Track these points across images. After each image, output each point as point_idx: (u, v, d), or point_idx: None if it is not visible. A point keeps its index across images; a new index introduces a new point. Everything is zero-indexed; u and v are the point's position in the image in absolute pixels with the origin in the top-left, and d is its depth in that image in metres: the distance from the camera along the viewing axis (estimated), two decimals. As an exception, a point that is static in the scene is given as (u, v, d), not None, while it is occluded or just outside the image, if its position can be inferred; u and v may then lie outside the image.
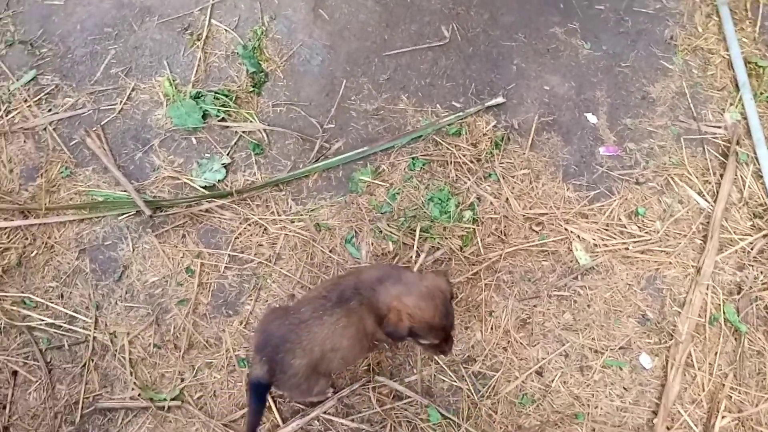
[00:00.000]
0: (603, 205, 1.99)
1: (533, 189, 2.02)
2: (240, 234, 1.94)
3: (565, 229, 1.95)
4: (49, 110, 2.07)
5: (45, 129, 2.03)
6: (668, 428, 1.72)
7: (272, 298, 1.88)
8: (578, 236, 1.94)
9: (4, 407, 1.72)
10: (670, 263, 1.91)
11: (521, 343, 1.83)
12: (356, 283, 1.48)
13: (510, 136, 2.11)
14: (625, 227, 1.96)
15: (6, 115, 2.04)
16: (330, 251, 1.93)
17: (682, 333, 1.81)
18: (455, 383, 1.75)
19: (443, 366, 1.77)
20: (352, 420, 1.72)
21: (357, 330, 1.46)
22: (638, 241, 1.94)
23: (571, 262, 1.92)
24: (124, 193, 1.95)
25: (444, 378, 1.76)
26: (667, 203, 2.00)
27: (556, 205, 1.99)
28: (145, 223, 1.94)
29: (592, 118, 2.15)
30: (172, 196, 1.97)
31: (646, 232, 1.96)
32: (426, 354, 1.73)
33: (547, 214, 1.98)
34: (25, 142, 2.03)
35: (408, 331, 1.39)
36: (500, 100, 2.15)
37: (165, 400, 1.73)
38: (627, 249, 1.93)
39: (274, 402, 1.74)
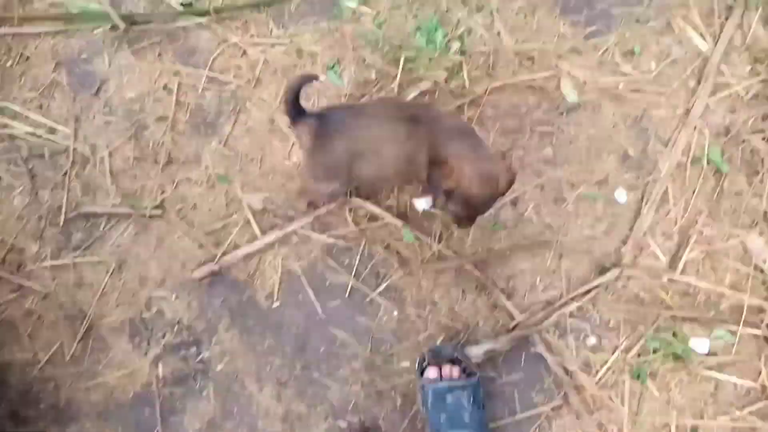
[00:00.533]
0: (598, 42, 2.05)
1: (528, 23, 2.06)
2: (219, 55, 2.02)
3: (556, 66, 2.02)
4: None
5: (16, -66, 2.04)
6: (635, 257, 1.87)
7: (252, 121, 1.99)
8: (569, 72, 2.01)
9: (-13, 209, 1.89)
10: (660, 103, 1.99)
11: (499, 175, 1.94)
12: (435, 117, 1.57)
13: (509, -36, 2.10)
14: (619, 66, 2.03)
15: None
16: (312, 77, 2.00)
17: (662, 169, 1.92)
18: (431, 210, 1.88)
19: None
20: (328, 236, 1.88)
21: (408, 153, 1.53)
22: (630, 81, 2.00)
23: (559, 98, 2.00)
24: (99, 5, 2.00)
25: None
26: (666, 44, 2.05)
27: (550, 40, 2.05)
28: (120, 38, 2.01)
29: (599, -51, 2.14)
30: (149, 12, 2.02)
31: (640, 72, 2.02)
32: (446, 214, 1.82)
33: (539, 49, 2.03)
34: (-5, -52, 2.05)
35: (446, 189, 1.46)
36: (502, -74, 2.12)
37: (147, 208, 1.89)
38: (618, 88, 1.99)
39: (253, 216, 1.89)
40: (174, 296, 1.89)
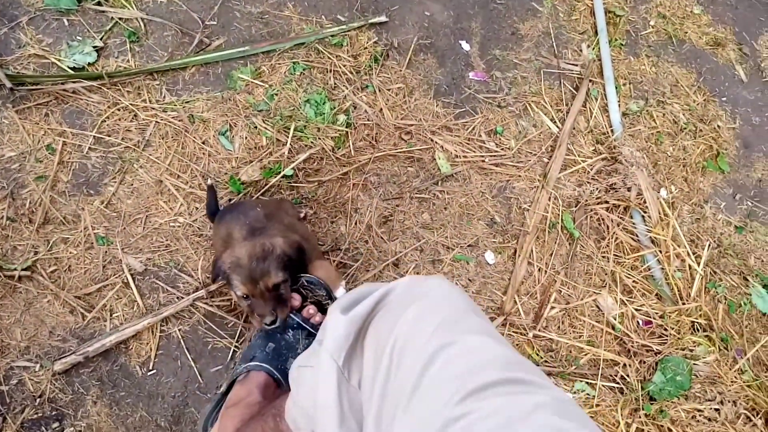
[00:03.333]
0: (467, 122, 2.17)
1: (406, 102, 2.16)
2: (108, 117, 1.92)
3: (431, 140, 2.11)
4: None
5: None
6: (506, 314, 1.92)
7: (138, 182, 1.88)
8: (442, 147, 2.11)
9: None
10: (520, 176, 2.12)
11: (382, 238, 1.96)
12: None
13: (389, 53, 2.23)
14: (484, 143, 2.15)
15: None
16: (203, 142, 1.96)
17: (530, 225, 2.03)
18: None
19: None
20: (211, 303, 1.78)
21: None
22: (494, 156, 2.13)
23: (434, 169, 2.08)
24: (-18, 65, 1.86)
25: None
26: (523, 126, 2.22)
27: (425, 118, 2.14)
28: (5, 97, 1.87)
29: (465, 45, 2.32)
30: (38, 74, 1.91)
31: (502, 149, 2.15)
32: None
33: (415, 125, 2.12)
34: None
35: (216, 270, 1.34)
36: (383, 18, 2.26)
37: (15, 269, 1.69)
38: (484, 161, 2.11)
39: (133, 278, 1.76)
40: (38, 366, 1.67)
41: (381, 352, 0.86)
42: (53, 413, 1.61)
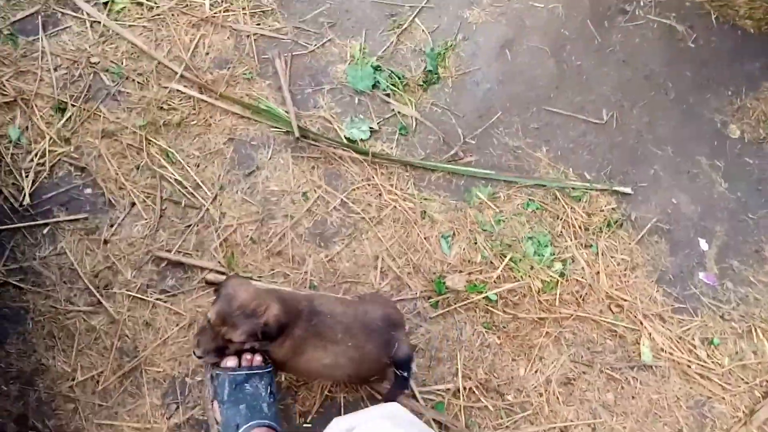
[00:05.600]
0: (683, 320, 2.12)
1: (626, 276, 2.18)
2: (358, 188, 2.20)
3: (641, 323, 2.08)
4: (258, 24, 2.45)
5: (248, 36, 2.41)
6: None
7: (360, 251, 2.11)
8: (650, 334, 2.07)
9: (112, 225, 2.00)
10: (724, 398, 1.99)
11: (557, 398, 1.94)
12: None
13: (623, 223, 2.29)
14: (695, 348, 2.07)
15: (223, 12, 2.45)
16: (425, 238, 2.15)
17: (714, 463, 1.87)
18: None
19: (476, 387, 1.91)
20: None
21: None
22: (702, 366, 2.04)
23: (634, 353, 2.04)
24: (285, 112, 2.27)
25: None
26: (742, 348, 2.10)
27: (641, 299, 2.14)
28: (289, 142, 2.24)
29: (704, 244, 2.31)
30: (320, 133, 2.27)
31: (713, 362, 2.05)
32: None
33: (629, 302, 2.12)
34: (228, 38, 2.41)
35: (222, 286, 1.52)
36: (628, 190, 2.35)
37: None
38: (690, 367, 2.03)
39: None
40: (226, 374, 1.86)
41: None
42: (221, 425, 1.77)
